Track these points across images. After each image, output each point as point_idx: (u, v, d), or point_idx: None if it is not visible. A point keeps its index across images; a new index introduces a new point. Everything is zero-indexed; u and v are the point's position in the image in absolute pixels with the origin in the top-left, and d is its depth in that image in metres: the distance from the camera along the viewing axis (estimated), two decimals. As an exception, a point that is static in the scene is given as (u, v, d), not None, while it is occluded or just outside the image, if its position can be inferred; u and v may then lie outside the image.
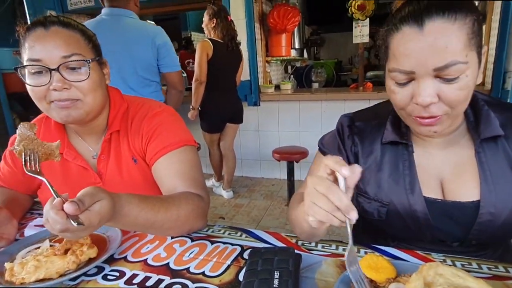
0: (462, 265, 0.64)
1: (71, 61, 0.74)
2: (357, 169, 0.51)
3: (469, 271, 0.58)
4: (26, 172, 0.61)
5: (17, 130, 0.65)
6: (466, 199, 0.68)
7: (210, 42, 2.61)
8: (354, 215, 0.49)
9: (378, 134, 0.76)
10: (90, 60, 0.77)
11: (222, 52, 2.65)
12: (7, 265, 0.64)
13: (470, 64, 0.57)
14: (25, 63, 0.74)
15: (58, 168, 0.90)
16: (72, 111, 0.77)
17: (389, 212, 0.72)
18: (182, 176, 0.83)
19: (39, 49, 0.73)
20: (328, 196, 0.49)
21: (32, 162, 0.63)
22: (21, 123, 0.65)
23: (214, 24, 2.64)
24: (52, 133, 0.89)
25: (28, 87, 0.76)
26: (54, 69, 0.73)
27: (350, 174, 0.50)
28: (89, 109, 0.80)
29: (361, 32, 3.30)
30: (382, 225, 0.75)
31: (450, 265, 0.63)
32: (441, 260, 0.65)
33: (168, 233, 0.79)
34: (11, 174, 0.94)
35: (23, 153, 0.62)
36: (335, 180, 0.53)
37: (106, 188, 0.88)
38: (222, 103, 2.81)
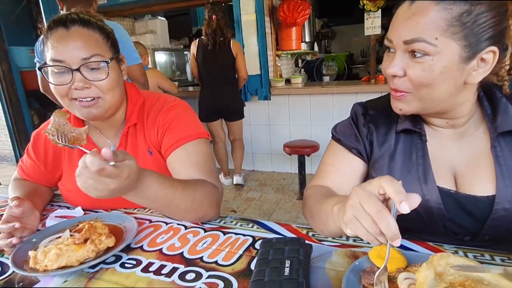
0: (475, 256, 0.63)
1: (91, 62, 0.78)
2: (415, 200, 0.46)
3: (481, 263, 0.58)
4: (60, 146, 0.70)
5: (51, 117, 0.72)
6: (481, 193, 0.66)
7: (197, 41, 2.93)
8: (398, 243, 0.46)
9: (393, 123, 0.75)
10: (109, 60, 0.81)
11: (205, 50, 2.89)
12: (31, 253, 0.68)
13: (441, 50, 0.57)
14: (48, 62, 0.78)
15: (77, 161, 0.93)
16: (92, 109, 0.81)
17: None
18: (196, 167, 0.86)
19: (61, 49, 0.76)
20: (377, 221, 0.46)
21: (62, 139, 0.70)
22: (55, 111, 0.72)
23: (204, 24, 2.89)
24: None
25: (51, 85, 0.80)
26: (75, 70, 0.77)
27: (410, 210, 0.45)
28: (108, 106, 0.83)
29: (372, 24, 3.25)
30: None
31: (462, 256, 0.63)
32: (453, 252, 0.65)
33: (184, 216, 0.82)
34: (33, 167, 0.98)
35: (55, 135, 0.69)
36: (385, 200, 0.49)
37: None
38: (207, 97, 3.02)
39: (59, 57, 0.76)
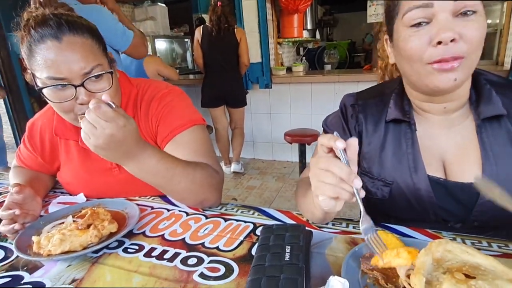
0: (472, 243, 0.64)
1: (94, 75, 0.74)
2: (352, 141, 0.52)
3: (479, 249, 0.58)
4: None
5: None
6: (469, 180, 0.67)
7: (201, 28, 2.94)
8: (358, 183, 0.50)
9: (382, 113, 0.75)
10: (112, 70, 0.78)
11: (210, 37, 2.90)
12: (34, 238, 0.69)
13: (480, 10, 0.57)
14: (42, 78, 0.72)
15: (76, 156, 0.93)
16: None
17: (393, 192, 0.73)
18: (194, 154, 0.84)
19: (58, 65, 0.71)
20: (330, 168, 0.51)
21: None
22: None
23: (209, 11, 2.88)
24: (67, 125, 0.90)
25: (51, 103, 0.76)
26: (79, 85, 0.73)
27: (344, 145, 0.51)
28: None
29: (376, 11, 3.19)
30: (385, 205, 0.75)
31: (460, 243, 0.64)
32: (451, 238, 0.66)
33: (185, 196, 0.81)
34: (31, 158, 0.98)
35: None
36: (336, 157, 0.54)
37: (122, 173, 0.90)
38: (211, 82, 3.04)
39: (58, 75, 0.71)
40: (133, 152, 0.68)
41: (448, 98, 0.67)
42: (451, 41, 0.57)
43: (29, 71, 0.75)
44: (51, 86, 0.72)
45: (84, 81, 0.73)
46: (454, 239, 0.66)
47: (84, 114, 0.74)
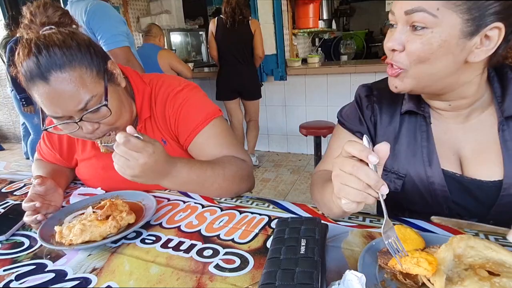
0: (496, 239, 0.62)
1: (90, 110, 0.72)
2: (384, 147, 0.49)
3: (503, 246, 0.56)
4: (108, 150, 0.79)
5: None
6: (487, 178, 0.65)
7: (216, 20, 2.93)
8: (385, 190, 0.48)
9: (397, 105, 0.74)
10: (107, 101, 0.74)
11: (224, 29, 2.89)
12: (56, 228, 0.71)
13: (441, 22, 0.54)
14: (48, 116, 0.76)
15: (92, 153, 0.95)
16: (111, 137, 0.80)
17: (406, 184, 0.71)
18: (220, 148, 0.87)
19: (54, 106, 0.71)
20: (356, 175, 0.48)
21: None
22: None
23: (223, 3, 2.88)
24: None
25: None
26: (78, 121, 0.73)
27: (377, 160, 0.48)
28: (124, 127, 0.77)
29: (395, -1, 3.09)
30: (398, 197, 0.74)
31: (482, 239, 0.62)
32: (474, 234, 0.64)
33: (220, 193, 0.85)
34: (50, 154, 1.01)
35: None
36: (360, 160, 0.51)
37: None
38: (225, 75, 3.04)
39: (56, 114, 0.72)
40: (165, 171, 0.73)
41: (445, 97, 0.65)
42: (392, 50, 0.60)
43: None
44: (53, 126, 0.77)
45: (82, 116, 0.73)
46: (477, 234, 0.64)
47: (97, 139, 0.79)
